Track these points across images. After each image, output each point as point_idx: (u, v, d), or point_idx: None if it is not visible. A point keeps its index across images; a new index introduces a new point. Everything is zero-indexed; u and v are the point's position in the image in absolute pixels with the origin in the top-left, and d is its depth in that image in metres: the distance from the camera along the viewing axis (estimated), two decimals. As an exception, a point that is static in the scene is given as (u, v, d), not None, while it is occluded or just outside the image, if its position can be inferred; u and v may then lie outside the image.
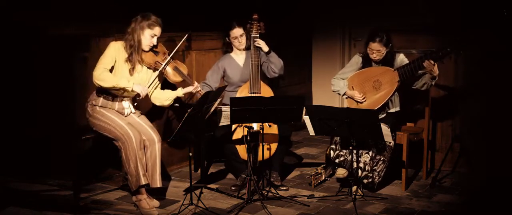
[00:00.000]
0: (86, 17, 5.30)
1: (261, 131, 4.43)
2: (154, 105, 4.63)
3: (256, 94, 4.74)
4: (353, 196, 4.41)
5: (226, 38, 4.96)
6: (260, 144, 4.52)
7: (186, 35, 4.72)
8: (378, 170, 4.56)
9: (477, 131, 4.92)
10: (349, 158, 4.54)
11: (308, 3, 7.45)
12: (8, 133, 5.09)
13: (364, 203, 4.43)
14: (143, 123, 4.38)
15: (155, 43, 4.35)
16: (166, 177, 4.97)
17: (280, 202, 4.46)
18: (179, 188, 4.84)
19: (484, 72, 4.90)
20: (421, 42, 5.22)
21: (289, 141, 5.22)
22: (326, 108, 4.34)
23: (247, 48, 4.97)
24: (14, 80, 5.07)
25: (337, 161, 4.63)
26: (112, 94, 4.30)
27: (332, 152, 4.67)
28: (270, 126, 4.66)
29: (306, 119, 4.36)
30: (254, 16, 4.88)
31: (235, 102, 4.23)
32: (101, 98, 4.30)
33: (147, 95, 4.34)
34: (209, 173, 5.31)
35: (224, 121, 4.43)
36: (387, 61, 4.66)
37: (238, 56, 5.00)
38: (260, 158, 4.56)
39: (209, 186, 4.83)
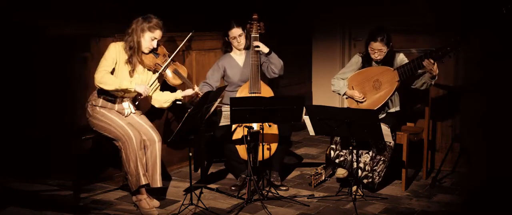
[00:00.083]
0: (86, 17, 5.30)
1: (261, 131, 4.42)
2: (153, 106, 4.63)
3: (256, 94, 4.74)
4: (353, 196, 4.41)
5: (225, 37, 4.96)
6: (260, 144, 4.52)
7: (190, 34, 4.69)
8: (378, 170, 4.56)
9: (477, 131, 4.92)
10: (349, 158, 4.54)
11: (308, 3, 7.45)
12: (8, 133, 5.09)
13: (364, 203, 4.43)
14: (143, 122, 4.38)
15: (155, 46, 4.34)
16: (166, 177, 4.97)
17: (280, 202, 4.46)
18: (179, 188, 4.84)
19: (484, 72, 4.89)
20: (421, 42, 5.22)
21: (289, 141, 5.22)
22: (326, 108, 4.34)
23: (247, 48, 4.97)
24: (14, 80, 5.07)
25: (337, 161, 4.63)
26: (113, 95, 4.30)
27: (332, 152, 4.67)
28: (270, 126, 4.66)
29: (306, 119, 4.36)
30: (254, 16, 4.88)
31: (235, 102, 4.23)
32: (101, 99, 4.30)
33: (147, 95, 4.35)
34: (209, 173, 5.31)
35: (224, 121, 4.42)
36: (387, 60, 4.66)
37: (238, 56, 5.00)
38: (260, 158, 4.56)
39: (209, 186, 4.83)
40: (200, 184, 4.85)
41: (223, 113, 4.40)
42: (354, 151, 4.40)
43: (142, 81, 4.35)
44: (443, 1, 6.04)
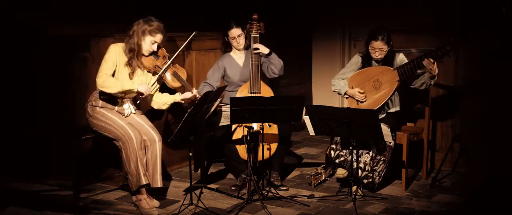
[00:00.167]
0: (86, 17, 5.29)
1: (261, 131, 4.42)
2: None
3: (256, 94, 4.74)
4: (353, 196, 4.41)
5: (225, 38, 4.96)
6: (260, 144, 4.52)
7: (193, 34, 4.68)
8: (378, 170, 4.56)
9: (477, 131, 4.92)
10: (349, 158, 4.54)
11: (308, 3, 7.45)
12: (8, 133, 5.09)
13: (364, 203, 4.43)
14: (143, 122, 4.38)
15: (155, 49, 4.33)
16: (166, 177, 4.96)
17: (280, 202, 4.46)
18: (179, 188, 4.84)
19: (484, 72, 4.89)
20: (420, 42, 5.22)
21: (289, 141, 5.21)
22: (326, 108, 4.34)
23: (247, 48, 4.97)
24: (14, 80, 5.07)
25: (337, 161, 4.63)
26: (114, 98, 4.29)
27: (332, 152, 4.67)
28: (270, 126, 4.66)
29: (306, 119, 4.36)
30: (254, 16, 4.88)
31: (235, 102, 4.23)
32: (101, 100, 4.30)
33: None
34: (209, 173, 5.31)
35: (224, 121, 4.42)
36: (387, 60, 4.66)
37: (238, 56, 5.00)
38: (260, 158, 4.56)
39: (209, 186, 4.83)
40: (200, 184, 4.85)
41: (223, 112, 4.40)
42: (354, 151, 4.40)
43: (142, 83, 4.35)
44: (443, 1, 6.04)
